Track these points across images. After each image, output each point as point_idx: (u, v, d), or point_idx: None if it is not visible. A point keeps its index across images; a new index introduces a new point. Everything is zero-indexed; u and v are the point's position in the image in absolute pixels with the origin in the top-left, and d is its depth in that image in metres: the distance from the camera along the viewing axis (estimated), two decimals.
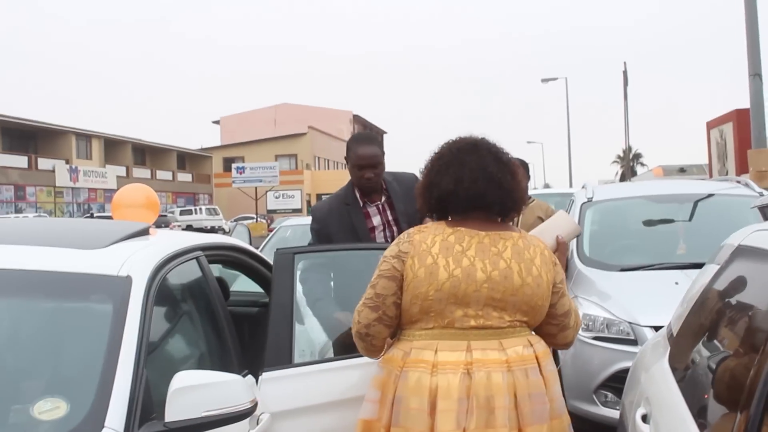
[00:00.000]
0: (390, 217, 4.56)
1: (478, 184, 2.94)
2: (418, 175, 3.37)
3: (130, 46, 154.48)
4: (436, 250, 2.88)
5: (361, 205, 4.57)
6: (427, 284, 2.84)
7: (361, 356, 3.45)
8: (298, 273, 3.75)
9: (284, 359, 3.44)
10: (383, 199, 4.59)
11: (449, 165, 3.00)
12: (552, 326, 3.02)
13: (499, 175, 2.97)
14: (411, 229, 3.06)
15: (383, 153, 4.55)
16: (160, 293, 2.91)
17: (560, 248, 3.47)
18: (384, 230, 4.54)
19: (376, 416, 2.92)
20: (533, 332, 2.99)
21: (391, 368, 2.91)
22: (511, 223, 3.12)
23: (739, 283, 2.74)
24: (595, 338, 5.60)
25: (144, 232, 3.35)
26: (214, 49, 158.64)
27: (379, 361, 3.01)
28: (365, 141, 4.58)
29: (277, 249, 3.79)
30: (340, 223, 4.51)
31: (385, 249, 3.15)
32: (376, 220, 4.56)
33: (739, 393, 2.08)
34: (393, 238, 4.37)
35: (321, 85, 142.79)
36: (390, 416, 2.85)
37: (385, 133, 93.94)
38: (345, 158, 4.66)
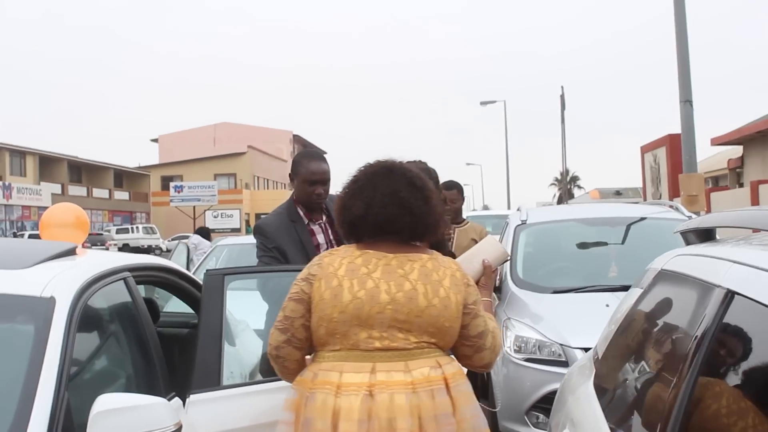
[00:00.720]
0: (331, 237, 4.59)
1: (388, 209, 2.95)
2: None
3: (67, 60, 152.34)
4: (342, 272, 2.89)
5: (306, 222, 4.58)
6: (331, 306, 2.84)
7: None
8: (228, 294, 3.73)
9: (212, 381, 3.41)
10: (324, 218, 4.62)
11: (363, 189, 3.02)
12: (466, 347, 2.99)
13: (411, 200, 2.97)
14: (323, 252, 3.09)
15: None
16: (85, 315, 2.86)
17: (486, 272, 3.48)
18: (328, 248, 4.54)
19: None
20: (449, 353, 2.97)
21: (302, 390, 2.89)
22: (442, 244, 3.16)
23: (660, 307, 2.79)
24: (527, 360, 5.65)
25: (70, 252, 3.29)
26: (153, 62, 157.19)
27: (292, 385, 2.98)
28: (316, 157, 4.60)
29: (207, 270, 3.77)
30: (289, 239, 4.51)
31: None
32: (321, 238, 4.59)
33: (658, 414, 2.11)
34: None
35: (261, 105, 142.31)
36: None
37: (325, 153, 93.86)
38: (290, 175, 4.65)
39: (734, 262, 2.15)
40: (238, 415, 3.47)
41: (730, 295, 2.00)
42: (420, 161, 4.40)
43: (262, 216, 5.09)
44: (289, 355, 2.99)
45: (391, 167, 3.06)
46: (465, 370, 3.04)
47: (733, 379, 1.91)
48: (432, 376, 2.80)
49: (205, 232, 16.06)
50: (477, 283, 3.39)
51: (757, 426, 1.70)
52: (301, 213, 4.59)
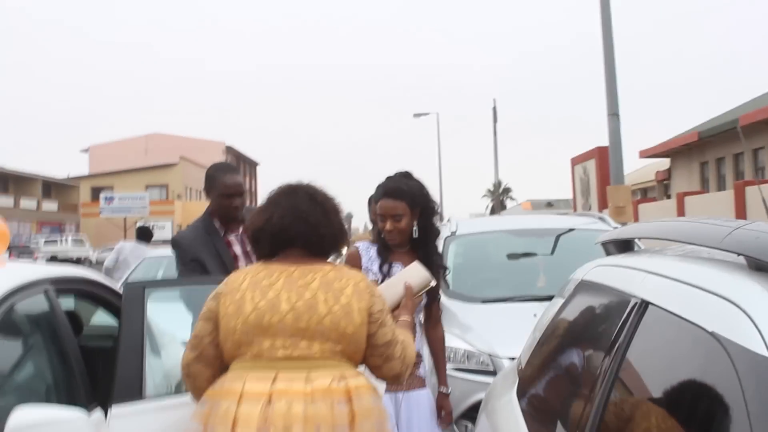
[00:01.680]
0: (249, 248, 4.58)
1: (284, 219, 3.06)
2: None
3: None
4: (245, 285, 2.97)
5: (222, 234, 4.60)
6: (235, 318, 2.90)
7: None
8: (149, 306, 3.69)
9: (133, 394, 3.38)
10: (240, 230, 4.63)
11: (267, 206, 3.15)
12: (375, 357, 3.02)
13: (308, 212, 3.09)
14: (233, 272, 3.15)
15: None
16: (2, 326, 2.81)
17: (407, 293, 3.55)
18: (245, 260, 4.58)
19: None
20: (359, 366, 3.00)
21: (211, 401, 2.90)
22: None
23: (580, 316, 2.84)
24: (456, 369, 5.68)
25: None
26: (81, 70, 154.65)
27: (202, 398, 2.99)
28: (231, 170, 4.64)
29: (126, 282, 3.72)
30: (206, 251, 4.53)
31: None
32: (238, 249, 4.62)
33: (575, 419, 2.15)
34: None
35: (193, 115, 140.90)
36: None
37: (258, 164, 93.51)
38: (206, 188, 4.66)
39: (648, 272, 2.20)
40: (161, 427, 3.43)
41: (644, 305, 2.04)
42: (406, 172, 4.34)
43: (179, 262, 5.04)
44: (200, 374, 3.02)
45: (296, 187, 3.20)
46: (378, 385, 3.07)
47: (646, 385, 1.95)
48: (333, 387, 2.83)
49: (145, 234, 12.96)
50: (398, 306, 3.49)
51: (658, 429, 1.75)
52: (217, 225, 4.62)
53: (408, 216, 4.11)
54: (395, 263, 4.10)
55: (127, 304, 3.56)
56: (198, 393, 3.05)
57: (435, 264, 3.99)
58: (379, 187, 4.18)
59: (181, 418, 3.50)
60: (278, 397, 2.77)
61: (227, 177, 4.56)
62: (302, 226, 3.06)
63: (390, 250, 4.15)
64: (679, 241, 2.28)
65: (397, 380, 3.14)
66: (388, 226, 4.08)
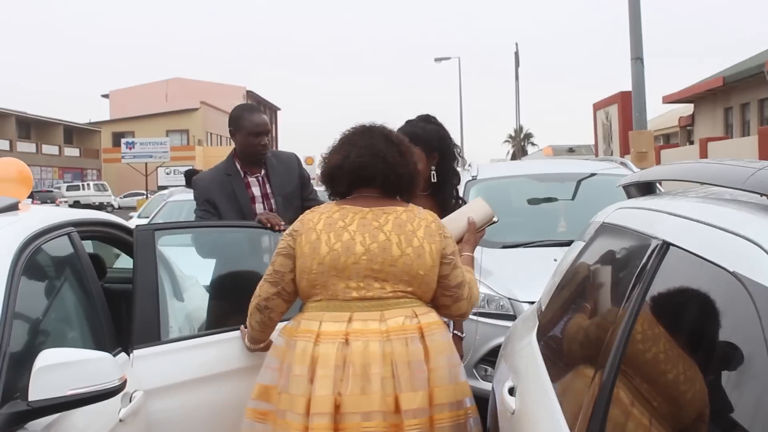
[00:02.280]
0: (268, 190, 4.66)
1: (362, 158, 3.12)
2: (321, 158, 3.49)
3: (13, 13, 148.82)
4: (320, 226, 3.06)
5: (242, 175, 4.64)
6: (310, 259, 3.02)
7: (234, 330, 3.55)
8: (162, 249, 3.76)
9: (152, 336, 3.44)
10: (263, 172, 4.67)
11: (343, 144, 3.23)
12: (446, 297, 3.14)
13: (385, 151, 3.15)
14: (307, 210, 3.26)
15: None
16: (27, 269, 2.83)
17: (470, 229, 3.63)
18: (263, 201, 4.64)
19: (275, 383, 3.07)
20: (427, 304, 3.12)
21: (287, 338, 3.06)
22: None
23: (601, 259, 2.84)
24: (476, 314, 5.70)
25: (12, 207, 3.24)
26: (102, 17, 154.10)
27: (279, 332, 3.17)
28: (256, 110, 4.72)
29: (136, 226, 3.76)
30: (221, 192, 4.57)
31: (245, 227, 3.58)
32: (256, 191, 4.65)
33: (595, 359, 2.16)
34: (270, 210, 4.43)
35: (214, 60, 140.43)
36: (281, 384, 3.02)
37: (279, 109, 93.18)
38: (231, 130, 4.71)
39: (670, 214, 2.20)
40: (184, 368, 3.49)
41: (665, 246, 2.03)
42: (427, 115, 4.35)
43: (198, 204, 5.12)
44: (277, 307, 3.19)
45: (370, 127, 3.27)
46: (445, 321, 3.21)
47: (667, 326, 1.96)
48: (407, 325, 2.97)
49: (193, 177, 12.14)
50: (461, 240, 3.56)
51: (686, 371, 1.75)
52: (238, 166, 4.66)
53: (424, 161, 4.08)
54: None
55: (138, 248, 3.60)
56: (269, 328, 3.28)
57: (452, 210, 3.99)
58: (397, 131, 4.15)
59: (205, 357, 3.57)
60: (355, 337, 2.92)
61: (254, 116, 4.62)
62: (381, 164, 3.13)
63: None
64: (701, 182, 2.27)
65: (463, 318, 3.37)
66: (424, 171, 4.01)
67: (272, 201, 4.63)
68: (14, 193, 3.82)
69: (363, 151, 3.14)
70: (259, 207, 4.60)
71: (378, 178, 3.15)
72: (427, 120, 4.29)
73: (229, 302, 4.30)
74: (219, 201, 4.56)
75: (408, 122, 4.25)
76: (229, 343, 3.64)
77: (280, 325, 3.32)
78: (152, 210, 12.34)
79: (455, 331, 4.10)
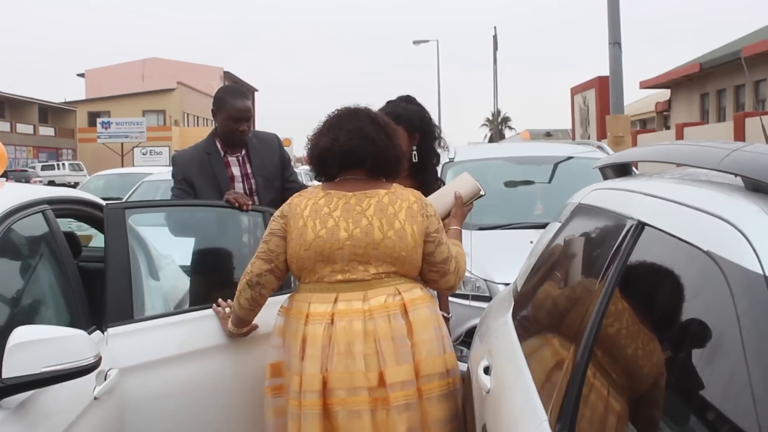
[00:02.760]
0: (249, 170, 4.65)
1: (352, 141, 3.23)
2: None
3: None
4: (306, 213, 3.20)
5: (222, 154, 4.63)
6: (298, 245, 3.17)
7: (208, 308, 3.59)
8: (138, 229, 3.75)
9: (125, 314, 3.43)
10: (243, 152, 4.66)
11: (330, 127, 3.32)
12: (433, 273, 3.28)
13: (374, 134, 3.26)
14: (295, 194, 3.38)
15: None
16: (1, 247, 2.81)
17: (456, 203, 3.72)
18: (243, 181, 4.63)
19: (281, 359, 3.28)
20: (417, 280, 3.29)
21: (285, 317, 3.26)
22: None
23: (576, 239, 2.85)
24: (452, 295, 5.71)
25: None
26: None
27: (279, 312, 3.33)
28: (240, 95, 4.65)
29: (106, 204, 3.74)
30: (200, 171, 4.57)
31: (214, 206, 3.77)
32: (236, 171, 4.64)
33: (570, 338, 2.17)
34: (250, 191, 4.43)
35: (191, 41, 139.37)
36: (285, 360, 3.24)
37: (257, 90, 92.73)
38: (213, 110, 4.69)
39: (645, 194, 2.21)
40: (159, 346, 3.48)
41: (640, 226, 2.05)
42: (408, 96, 4.36)
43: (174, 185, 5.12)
44: (269, 284, 3.32)
45: (356, 109, 3.37)
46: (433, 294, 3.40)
47: (641, 304, 1.97)
48: (389, 303, 3.12)
49: None
50: (449, 215, 3.67)
51: (659, 349, 1.77)
52: (219, 146, 4.65)
53: (405, 140, 4.07)
54: None
55: (109, 226, 3.58)
56: (259, 303, 3.39)
57: (433, 190, 3.99)
58: (378, 111, 4.15)
59: (180, 335, 3.56)
60: (339, 317, 3.09)
61: (237, 101, 4.58)
62: (370, 147, 3.25)
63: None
64: (677, 163, 2.29)
65: (451, 291, 3.54)
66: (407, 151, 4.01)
67: (252, 181, 4.63)
68: None
69: (352, 134, 3.24)
70: (238, 186, 4.60)
71: (368, 160, 3.25)
72: (409, 100, 4.30)
73: (203, 281, 4.30)
74: (197, 180, 4.55)
75: (389, 102, 4.26)
76: (204, 321, 3.66)
77: (271, 300, 3.44)
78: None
79: (442, 312, 4.12)
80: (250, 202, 4.12)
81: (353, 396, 3.03)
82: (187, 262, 4.43)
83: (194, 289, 4.30)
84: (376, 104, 4.03)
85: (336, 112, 3.39)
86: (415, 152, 4.17)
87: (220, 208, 4.21)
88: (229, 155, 4.65)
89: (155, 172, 14.27)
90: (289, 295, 3.37)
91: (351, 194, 3.23)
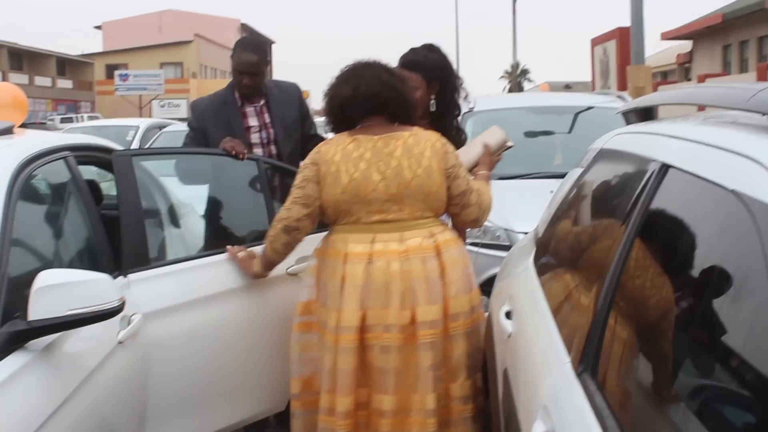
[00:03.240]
0: (267, 120, 4.64)
1: (373, 87, 3.40)
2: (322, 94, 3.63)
3: None
4: (337, 158, 3.37)
5: (239, 104, 4.62)
6: (333, 189, 3.34)
7: (221, 252, 3.72)
8: (149, 175, 3.80)
9: (142, 260, 3.48)
10: (262, 102, 4.63)
11: (347, 78, 3.47)
12: (453, 206, 3.49)
13: (392, 81, 3.46)
14: (321, 143, 3.56)
15: (267, 62, 4.60)
16: (24, 192, 2.83)
17: (485, 151, 3.86)
18: (260, 131, 4.63)
19: (314, 298, 3.48)
20: (444, 221, 3.51)
21: (320, 258, 3.45)
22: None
23: (599, 183, 2.84)
24: (472, 244, 5.72)
25: (7, 131, 3.23)
26: None
27: (313, 254, 3.53)
28: (249, 48, 4.60)
29: (114, 152, 3.74)
30: (216, 120, 4.55)
31: (215, 154, 4.01)
32: (253, 121, 4.64)
33: (592, 281, 2.17)
34: (268, 140, 4.43)
35: None
36: (321, 298, 3.43)
37: (274, 42, 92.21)
38: (231, 58, 4.68)
39: (669, 136, 2.19)
40: (180, 290, 3.53)
41: (664, 168, 2.03)
42: (431, 44, 4.33)
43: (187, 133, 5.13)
44: (305, 228, 3.48)
45: (369, 62, 3.54)
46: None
47: (666, 246, 1.96)
48: (424, 245, 3.32)
49: None
50: (477, 164, 3.82)
51: (684, 293, 1.76)
52: (237, 95, 4.63)
53: (423, 88, 4.08)
54: None
55: (119, 174, 3.60)
56: (293, 247, 3.55)
57: (452, 140, 3.98)
58: (400, 58, 4.14)
59: (199, 280, 3.61)
60: (378, 257, 3.29)
61: (243, 54, 4.55)
62: (391, 92, 3.43)
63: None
64: (702, 104, 2.26)
65: (476, 225, 3.66)
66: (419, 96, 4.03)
67: (272, 131, 4.61)
68: (9, 117, 3.79)
69: (371, 81, 3.41)
70: (255, 136, 4.60)
71: (390, 104, 3.43)
72: (431, 49, 4.28)
73: (215, 226, 4.34)
74: (211, 128, 4.53)
75: (412, 50, 4.25)
76: (220, 266, 3.72)
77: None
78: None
79: None
80: (246, 152, 4.14)
81: (387, 332, 3.24)
82: (199, 209, 4.49)
83: (207, 234, 4.34)
84: (394, 57, 4.09)
85: (350, 65, 3.53)
86: (433, 101, 4.14)
87: (218, 156, 4.24)
88: (247, 105, 4.64)
89: (140, 124, 14.62)
90: (323, 237, 3.52)
91: (377, 137, 3.39)
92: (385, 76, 3.46)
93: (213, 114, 4.59)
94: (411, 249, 3.29)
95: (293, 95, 4.76)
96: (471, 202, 3.48)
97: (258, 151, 4.53)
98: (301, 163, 3.54)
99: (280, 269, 3.76)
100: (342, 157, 3.37)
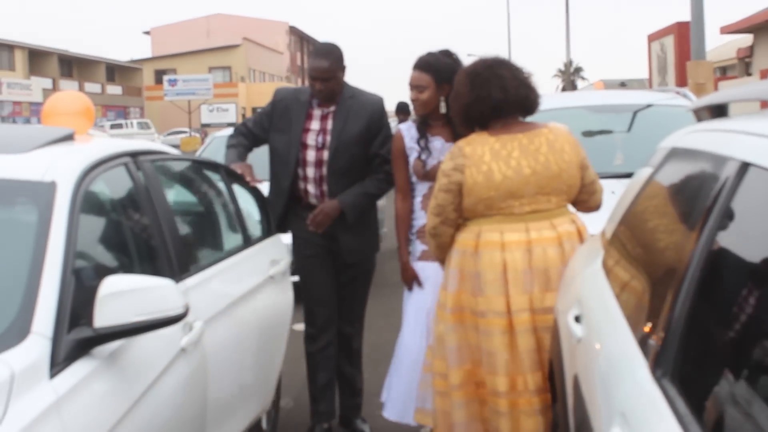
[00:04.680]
0: (329, 126, 4.61)
1: (520, 90, 3.66)
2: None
3: None
4: (488, 158, 3.56)
5: (309, 105, 4.66)
6: (486, 188, 3.54)
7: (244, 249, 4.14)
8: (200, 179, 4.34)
9: (191, 265, 3.54)
10: (332, 108, 4.64)
11: (489, 80, 3.64)
12: (583, 194, 3.79)
13: (527, 80, 3.73)
14: (459, 144, 3.68)
15: (341, 67, 4.62)
16: (87, 198, 2.84)
17: None
18: (317, 135, 4.62)
19: (459, 287, 3.66)
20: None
21: (465, 250, 3.63)
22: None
23: (672, 183, 2.76)
24: None
25: (69, 138, 3.24)
26: None
27: (456, 247, 3.70)
28: (320, 54, 4.62)
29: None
30: (282, 113, 4.69)
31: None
32: (315, 124, 4.64)
33: (668, 285, 2.11)
34: (322, 145, 4.44)
35: None
36: (472, 288, 3.60)
37: None
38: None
39: (748, 133, 2.12)
40: (224, 292, 3.68)
41: (743, 167, 1.96)
42: (446, 50, 4.47)
43: (258, 110, 5.29)
44: (445, 232, 3.71)
45: (499, 60, 3.78)
46: None
47: (748, 248, 1.90)
48: (570, 230, 3.65)
49: (404, 110, 12.00)
50: None
51: (758, 295, 1.70)
52: (311, 95, 4.69)
53: (432, 89, 4.29)
54: (433, 137, 4.34)
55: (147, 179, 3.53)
56: (443, 249, 3.78)
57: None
58: (416, 59, 4.37)
59: (233, 279, 3.86)
60: (535, 244, 3.54)
61: (314, 60, 4.61)
62: (532, 92, 3.72)
63: (428, 124, 4.35)
64: None
65: (598, 209, 3.90)
66: (412, 96, 4.32)
67: (328, 138, 4.60)
68: (78, 125, 3.80)
69: (514, 82, 3.66)
70: (311, 138, 4.60)
71: (526, 104, 3.70)
72: (446, 54, 4.43)
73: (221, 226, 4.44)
74: (276, 119, 4.69)
75: (428, 53, 4.40)
76: (245, 263, 4.04)
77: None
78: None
79: None
80: (254, 178, 4.55)
81: (546, 314, 3.49)
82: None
83: (222, 234, 4.44)
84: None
85: (482, 64, 3.73)
86: (443, 103, 4.27)
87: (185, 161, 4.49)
88: (316, 107, 4.66)
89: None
90: (464, 231, 3.68)
91: (521, 135, 3.63)
92: (520, 75, 3.70)
93: (284, 107, 4.69)
94: (562, 234, 3.59)
95: (368, 109, 4.65)
96: (598, 189, 3.82)
97: (310, 152, 4.57)
98: (442, 167, 3.69)
99: (265, 273, 4.19)
100: (492, 157, 3.56)
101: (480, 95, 3.62)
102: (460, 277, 3.64)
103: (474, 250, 3.58)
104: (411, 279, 4.34)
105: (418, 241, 4.35)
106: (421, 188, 4.36)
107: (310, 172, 4.59)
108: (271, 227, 4.67)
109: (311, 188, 4.61)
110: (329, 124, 4.60)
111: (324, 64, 4.52)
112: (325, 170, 4.56)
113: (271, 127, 4.69)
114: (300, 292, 4.72)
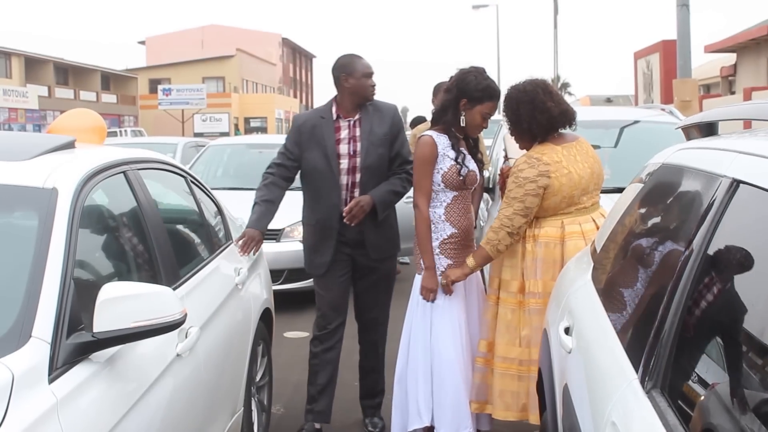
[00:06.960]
0: (357, 133, 4.83)
1: (562, 104, 4.22)
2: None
3: None
4: (564, 163, 4.09)
5: (335, 119, 4.85)
6: (570, 187, 4.07)
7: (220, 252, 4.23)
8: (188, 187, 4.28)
9: (175, 273, 3.52)
10: (357, 116, 4.86)
11: (542, 95, 4.15)
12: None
13: (558, 100, 4.22)
14: (533, 155, 4.13)
15: None
16: (87, 206, 2.87)
17: None
18: (348, 143, 4.83)
19: (543, 276, 4.09)
20: None
21: (548, 241, 4.12)
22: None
23: (662, 199, 2.81)
24: None
25: (69, 146, 3.27)
26: None
27: (538, 239, 4.14)
28: (361, 56, 4.94)
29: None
30: (311, 133, 4.83)
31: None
32: (344, 133, 4.85)
33: (659, 298, 2.15)
34: (354, 152, 4.69)
35: (249, 6, 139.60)
36: (553, 274, 4.02)
37: (314, 57, 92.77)
38: (342, 76, 4.87)
39: (739, 152, 2.16)
40: (211, 299, 3.73)
41: (735, 184, 2.01)
42: (482, 69, 4.60)
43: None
44: (522, 231, 4.14)
45: (532, 84, 4.23)
46: None
47: (737, 265, 1.94)
48: (599, 223, 4.06)
49: (420, 122, 11.06)
50: None
51: (747, 310, 1.74)
52: (334, 110, 4.88)
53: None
54: (464, 149, 4.48)
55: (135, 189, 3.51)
56: (516, 239, 4.16)
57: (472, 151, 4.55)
58: (486, 88, 4.39)
59: (214, 286, 3.91)
60: (587, 235, 4.05)
61: (363, 60, 4.90)
62: (568, 109, 4.20)
63: (458, 139, 4.44)
64: None
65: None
66: (485, 123, 4.43)
67: (358, 144, 4.80)
68: (90, 141, 3.84)
69: (550, 104, 4.14)
70: (344, 147, 4.81)
71: (569, 121, 4.21)
72: (478, 72, 4.52)
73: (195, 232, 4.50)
74: (305, 142, 4.81)
75: (492, 81, 4.51)
76: (220, 270, 4.09)
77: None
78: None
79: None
80: (252, 249, 4.62)
81: None
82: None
83: (197, 241, 4.48)
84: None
85: (530, 83, 4.24)
86: (463, 116, 4.40)
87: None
88: (341, 120, 4.85)
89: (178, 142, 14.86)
90: (545, 226, 4.15)
91: (573, 143, 4.19)
92: (554, 97, 4.19)
93: (309, 128, 4.84)
94: (599, 226, 3.96)
95: (389, 114, 4.92)
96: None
97: (344, 161, 4.79)
98: (523, 176, 4.07)
99: (233, 280, 4.23)
100: (567, 162, 4.09)
101: (539, 108, 4.13)
102: (544, 266, 4.10)
103: (559, 240, 4.10)
104: (434, 289, 4.32)
105: (442, 255, 4.37)
106: (444, 198, 4.39)
107: (344, 179, 4.79)
108: (229, 234, 4.74)
109: (342, 195, 4.82)
110: (357, 132, 4.82)
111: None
112: (357, 176, 4.78)
113: (301, 149, 4.83)
114: (314, 296, 4.99)
